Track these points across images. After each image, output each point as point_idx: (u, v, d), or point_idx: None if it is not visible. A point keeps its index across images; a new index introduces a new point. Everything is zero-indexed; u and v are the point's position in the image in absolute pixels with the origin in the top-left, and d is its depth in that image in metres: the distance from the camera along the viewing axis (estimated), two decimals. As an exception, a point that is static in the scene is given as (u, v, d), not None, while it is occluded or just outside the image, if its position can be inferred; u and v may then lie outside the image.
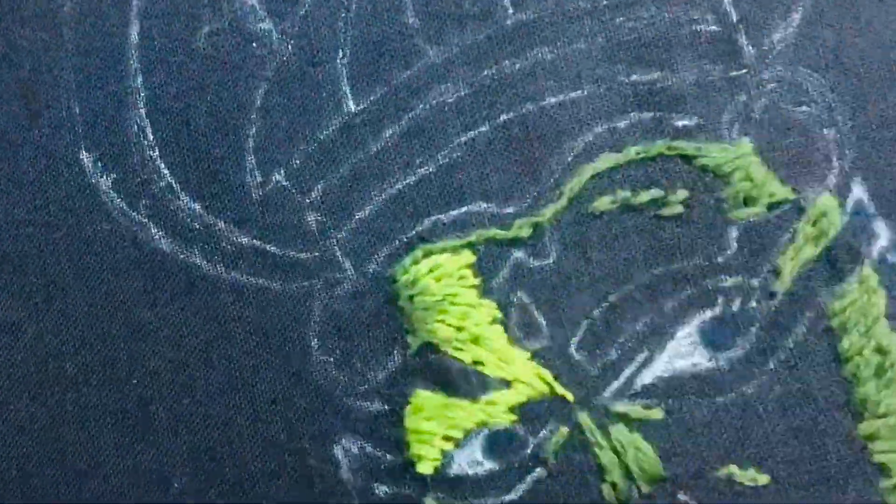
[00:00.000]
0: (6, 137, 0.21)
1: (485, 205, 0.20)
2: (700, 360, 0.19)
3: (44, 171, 0.21)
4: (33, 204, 0.21)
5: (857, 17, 0.20)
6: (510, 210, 0.20)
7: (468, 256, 0.20)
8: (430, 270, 0.20)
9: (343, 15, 0.21)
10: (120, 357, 0.20)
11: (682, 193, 0.19)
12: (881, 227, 0.19)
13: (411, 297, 0.20)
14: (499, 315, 0.19)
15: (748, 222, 0.19)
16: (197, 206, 0.21)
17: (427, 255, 0.20)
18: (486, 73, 0.20)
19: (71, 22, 0.22)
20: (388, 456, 0.19)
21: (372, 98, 0.20)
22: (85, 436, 0.20)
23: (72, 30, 0.22)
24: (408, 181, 0.20)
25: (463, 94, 0.20)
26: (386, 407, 0.19)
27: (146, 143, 0.21)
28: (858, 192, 0.19)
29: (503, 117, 0.20)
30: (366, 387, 0.20)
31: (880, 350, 0.18)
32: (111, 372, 0.20)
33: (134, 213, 0.21)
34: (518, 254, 0.20)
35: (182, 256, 0.21)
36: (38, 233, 0.21)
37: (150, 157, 0.21)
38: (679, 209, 0.19)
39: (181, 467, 0.20)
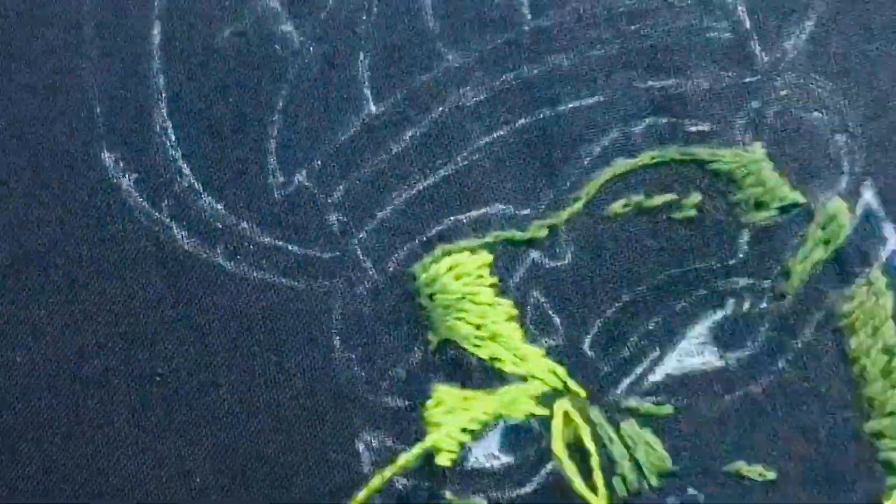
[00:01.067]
0: (27, 137, 0.22)
1: (502, 207, 0.21)
2: (710, 358, 0.19)
3: (65, 171, 0.22)
4: (55, 203, 0.21)
5: (868, 25, 0.20)
6: (527, 212, 0.20)
7: (486, 256, 0.20)
8: (450, 269, 0.20)
9: (363, 18, 0.21)
10: (142, 356, 0.21)
11: (695, 197, 0.20)
12: (890, 231, 0.20)
13: (431, 296, 0.20)
14: (515, 313, 0.20)
15: (759, 225, 0.20)
16: (219, 207, 0.21)
17: (446, 254, 0.20)
18: (504, 77, 0.21)
19: (92, 22, 0.22)
20: (408, 449, 0.20)
21: (392, 100, 0.21)
22: (106, 433, 0.20)
23: (93, 30, 0.22)
24: (428, 182, 0.21)
25: (482, 98, 0.21)
26: (406, 402, 0.20)
27: (168, 143, 0.21)
28: (868, 196, 0.20)
29: (521, 121, 0.21)
30: (387, 383, 0.20)
31: (887, 350, 0.19)
32: (133, 370, 0.21)
33: (156, 213, 0.21)
34: (534, 254, 0.20)
35: (204, 256, 0.21)
36: (59, 232, 0.21)
37: (173, 157, 0.21)
38: (692, 213, 0.20)
39: (203, 463, 0.20)
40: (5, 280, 0.21)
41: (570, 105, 0.20)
